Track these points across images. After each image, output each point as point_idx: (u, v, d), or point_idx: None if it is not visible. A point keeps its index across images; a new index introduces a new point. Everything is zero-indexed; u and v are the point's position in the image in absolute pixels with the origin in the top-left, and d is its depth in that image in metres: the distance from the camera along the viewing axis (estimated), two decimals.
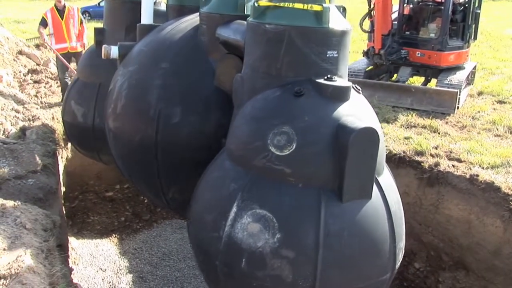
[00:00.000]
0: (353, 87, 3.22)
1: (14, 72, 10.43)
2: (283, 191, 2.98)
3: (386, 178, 3.26)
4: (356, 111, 3.06)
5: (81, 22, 8.75)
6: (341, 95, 3.07)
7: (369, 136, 2.85)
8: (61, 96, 8.64)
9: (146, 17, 5.32)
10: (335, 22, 3.18)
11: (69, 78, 8.65)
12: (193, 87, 4.22)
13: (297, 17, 3.14)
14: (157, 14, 5.48)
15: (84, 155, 6.71)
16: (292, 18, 3.15)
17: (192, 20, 4.61)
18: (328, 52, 3.16)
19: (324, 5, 3.10)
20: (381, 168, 3.22)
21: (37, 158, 5.91)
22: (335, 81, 3.09)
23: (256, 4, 3.29)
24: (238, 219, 3.00)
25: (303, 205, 2.93)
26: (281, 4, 3.22)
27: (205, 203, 3.45)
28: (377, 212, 3.03)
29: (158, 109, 4.21)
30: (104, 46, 5.05)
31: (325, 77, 3.11)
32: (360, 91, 3.34)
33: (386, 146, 6.67)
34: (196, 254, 3.58)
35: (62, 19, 8.41)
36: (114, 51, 5.03)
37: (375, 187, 3.03)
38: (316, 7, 3.11)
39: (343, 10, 3.49)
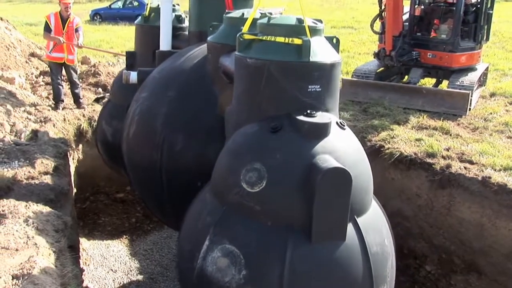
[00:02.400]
0: (337, 123, 3.16)
1: (26, 74, 10.51)
2: (252, 228, 2.97)
3: (368, 217, 3.15)
4: (333, 149, 2.97)
5: (77, 31, 8.51)
6: (317, 132, 2.99)
7: (339, 177, 2.77)
8: (54, 101, 8.51)
9: (165, 44, 5.57)
10: (320, 55, 3.10)
11: (64, 84, 8.64)
12: (195, 116, 4.35)
13: (278, 51, 3.09)
14: (183, 39, 5.70)
15: (113, 170, 6.95)
16: (273, 52, 3.10)
17: (205, 48, 4.69)
18: (310, 87, 3.09)
19: (305, 38, 3.03)
20: (362, 207, 3.12)
21: (49, 159, 5.96)
22: (315, 116, 3.02)
23: (241, 38, 3.26)
24: (210, 252, 3.02)
25: (270, 244, 2.91)
26: (264, 38, 3.18)
27: (185, 232, 3.53)
28: (350, 255, 2.93)
29: (163, 135, 4.39)
30: (124, 71, 5.36)
31: (305, 113, 3.03)
32: (345, 126, 3.23)
33: (397, 148, 6.63)
34: (179, 282, 3.66)
35: (64, 29, 8.28)
36: (133, 77, 5.28)
37: (351, 228, 2.95)
38: (297, 41, 3.04)
39: (336, 42, 3.44)
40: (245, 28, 3.43)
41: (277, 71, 3.06)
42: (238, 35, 3.28)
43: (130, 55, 6.53)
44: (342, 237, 2.90)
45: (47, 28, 8.29)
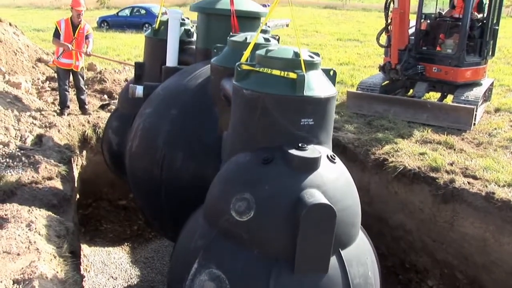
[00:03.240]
0: (328, 156, 3.19)
1: (33, 79, 10.58)
2: (238, 255, 3.04)
3: (353, 249, 3.19)
4: (322, 183, 3.00)
5: (87, 37, 8.56)
6: (307, 166, 3.02)
7: (324, 213, 2.80)
8: (59, 107, 8.55)
9: (171, 60, 5.62)
10: (314, 89, 3.14)
11: (70, 90, 8.68)
12: (196, 135, 4.43)
13: (273, 84, 3.13)
14: (191, 53, 5.79)
15: (117, 177, 6.99)
16: (268, 85, 3.13)
17: (209, 68, 4.76)
18: (303, 120, 3.12)
19: (300, 73, 3.06)
20: (347, 239, 3.17)
21: (53, 165, 5.97)
22: (306, 150, 3.06)
23: (238, 68, 3.29)
24: (198, 275, 3.08)
25: (254, 272, 2.98)
26: (260, 70, 3.21)
27: (178, 252, 3.62)
28: (332, 286, 2.98)
29: (164, 152, 4.48)
30: (130, 85, 5.47)
31: (297, 146, 3.07)
32: (335, 160, 3.26)
33: (401, 161, 6.63)
34: None
35: (74, 36, 8.32)
36: (139, 91, 5.36)
37: (334, 261, 3.00)
38: (292, 75, 3.08)
39: (333, 74, 3.47)
40: (244, 57, 3.48)
41: (271, 104, 3.10)
42: (236, 64, 3.31)
43: (138, 66, 6.59)
44: (324, 269, 2.95)
45: (57, 34, 8.33)
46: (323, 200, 2.83)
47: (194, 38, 6.09)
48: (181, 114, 4.55)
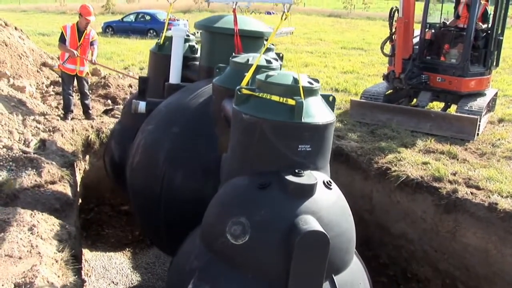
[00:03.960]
0: (324, 182, 3.21)
1: (37, 83, 10.62)
2: (232, 279, 3.06)
3: (346, 274, 3.21)
4: (317, 209, 3.03)
5: (92, 44, 8.59)
6: (303, 192, 3.04)
7: (317, 240, 2.82)
8: (63, 111, 8.56)
9: (174, 77, 5.67)
10: (312, 116, 3.17)
11: (74, 95, 8.70)
12: (196, 154, 4.48)
13: (271, 110, 3.17)
14: (195, 69, 5.87)
15: (118, 188, 7.05)
16: (266, 111, 3.17)
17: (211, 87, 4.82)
18: (300, 146, 3.16)
19: (299, 100, 3.10)
20: (340, 265, 3.19)
21: (56, 169, 5.98)
22: (302, 176, 3.08)
23: (239, 92, 3.33)
24: None
25: None
26: (260, 95, 3.26)
27: (173, 272, 3.67)
28: None
29: (164, 169, 4.52)
30: (133, 101, 5.51)
31: (294, 171, 3.10)
32: (332, 185, 3.28)
33: (403, 171, 6.62)
34: None
35: (80, 41, 8.35)
36: (142, 106, 5.42)
37: (327, 286, 3.03)
38: (291, 101, 3.12)
39: (332, 100, 3.51)
40: (244, 81, 3.52)
41: (270, 129, 3.14)
42: (236, 88, 3.35)
43: (142, 81, 6.69)
44: None
45: (62, 39, 8.36)
46: (317, 227, 2.85)
47: (199, 54, 6.15)
48: (182, 132, 4.60)
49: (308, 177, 3.09)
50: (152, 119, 5.06)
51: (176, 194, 4.49)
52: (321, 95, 3.43)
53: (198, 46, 6.25)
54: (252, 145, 3.23)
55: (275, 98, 3.17)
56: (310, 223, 2.88)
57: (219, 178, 3.83)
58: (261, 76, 3.38)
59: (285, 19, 3.23)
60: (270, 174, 3.15)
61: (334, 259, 3.03)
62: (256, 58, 4.14)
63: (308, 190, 3.05)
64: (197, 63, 6.01)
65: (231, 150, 3.50)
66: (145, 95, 6.49)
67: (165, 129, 4.73)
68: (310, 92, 3.25)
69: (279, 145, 3.14)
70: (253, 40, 5.24)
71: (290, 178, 3.04)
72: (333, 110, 3.44)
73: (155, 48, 6.56)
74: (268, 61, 4.28)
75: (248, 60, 4.34)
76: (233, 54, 4.84)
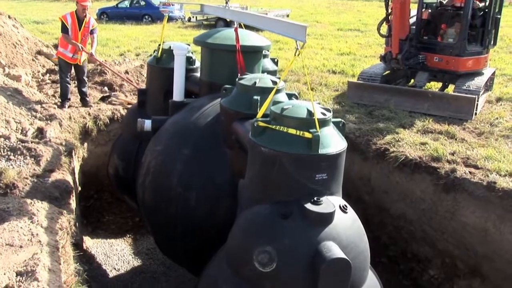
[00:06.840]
0: (340, 207, 3.40)
1: (33, 72, 10.56)
2: None
3: None
4: (337, 235, 3.24)
5: (92, 33, 8.46)
6: (323, 220, 3.24)
7: (341, 266, 3.04)
8: (60, 99, 8.47)
9: (178, 95, 5.68)
10: (328, 146, 3.34)
11: (71, 83, 8.62)
12: (208, 175, 4.62)
13: (289, 142, 3.33)
14: (195, 81, 5.93)
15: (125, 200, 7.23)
16: (284, 144, 3.33)
17: (217, 106, 4.91)
18: (317, 176, 3.35)
19: (315, 133, 3.25)
20: (359, 282, 3.42)
21: (54, 157, 5.98)
22: (321, 204, 3.27)
23: (255, 124, 3.45)
24: None
25: None
26: (276, 127, 3.39)
27: None
28: None
29: (178, 191, 4.65)
30: (138, 120, 5.57)
31: (312, 200, 3.28)
32: (347, 209, 3.47)
33: (402, 151, 6.63)
34: None
35: (80, 30, 8.21)
36: (147, 125, 5.51)
37: None
38: (307, 135, 3.27)
39: (342, 125, 3.66)
40: (260, 114, 3.62)
41: (288, 162, 3.32)
42: (253, 121, 3.50)
43: (141, 93, 6.79)
44: None
45: (65, 29, 8.13)
46: (340, 254, 3.06)
47: (197, 65, 6.21)
48: (193, 154, 4.72)
49: (327, 204, 3.30)
50: (159, 139, 5.17)
51: (192, 215, 4.64)
52: (332, 122, 3.58)
53: (195, 57, 6.34)
54: (271, 176, 3.41)
55: (292, 131, 3.32)
56: (333, 250, 3.10)
57: (233, 196, 4.01)
58: (276, 108, 3.50)
59: (298, 55, 3.28)
60: (290, 203, 3.33)
61: (353, 278, 3.22)
62: (262, 80, 4.38)
63: (328, 218, 3.25)
64: (196, 74, 6.09)
65: (250, 179, 3.66)
66: (145, 108, 6.63)
67: (175, 150, 4.83)
68: (324, 123, 3.41)
69: (297, 175, 3.33)
70: (252, 54, 5.34)
71: (310, 207, 3.24)
72: (343, 135, 3.61)
73: (152, 61, 6.62)
74: (274, 82, 4.43)
75: (255, 82, 4.43)
76: (237, 71, 5.00)
